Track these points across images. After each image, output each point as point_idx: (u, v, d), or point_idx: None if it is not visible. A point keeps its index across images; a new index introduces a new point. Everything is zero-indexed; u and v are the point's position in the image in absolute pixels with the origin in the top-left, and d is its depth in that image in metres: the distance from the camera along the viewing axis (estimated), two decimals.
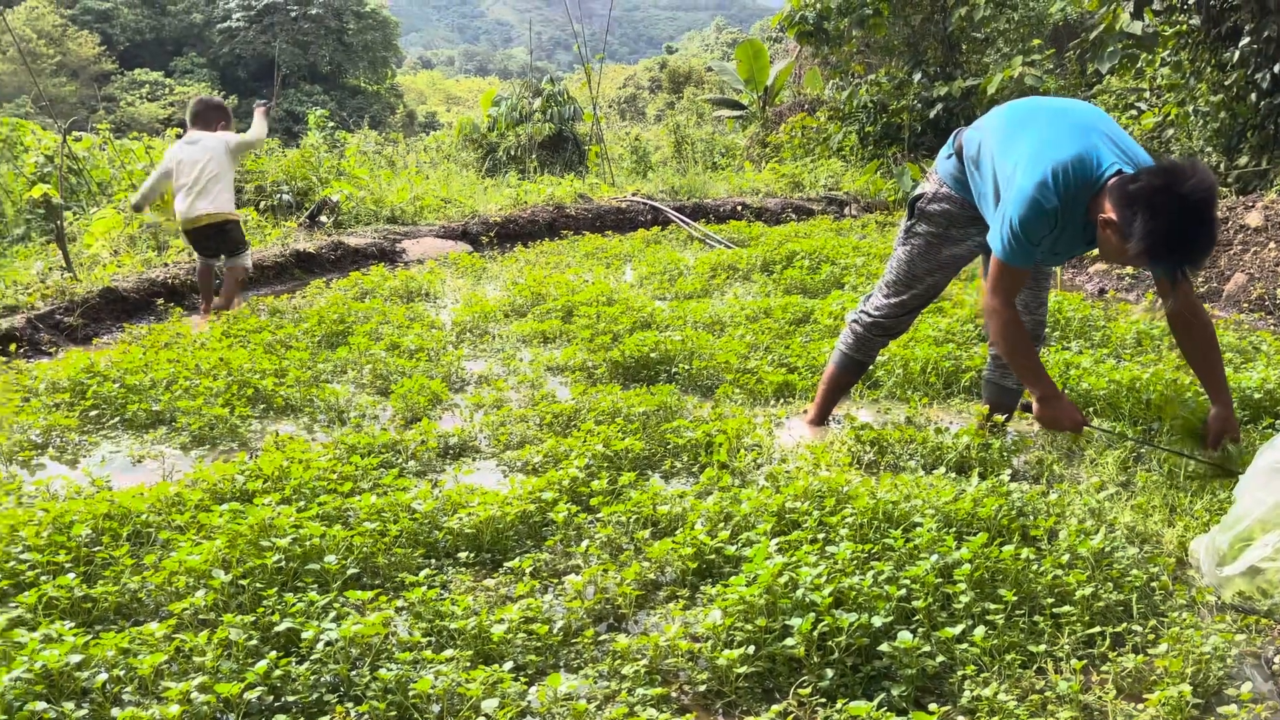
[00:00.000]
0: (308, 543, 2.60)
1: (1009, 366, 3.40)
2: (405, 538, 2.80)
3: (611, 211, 10.14)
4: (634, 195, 10.84)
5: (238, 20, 44.42)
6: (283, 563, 2.54)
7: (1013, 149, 3.10)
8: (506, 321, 5.69)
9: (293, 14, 43.59)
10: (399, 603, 2.47)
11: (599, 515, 2.94)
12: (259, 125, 6.37)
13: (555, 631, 2.36)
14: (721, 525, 2.80)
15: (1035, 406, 3.24)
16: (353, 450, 3.47)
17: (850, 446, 3.51)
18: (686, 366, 4.51)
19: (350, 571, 2.59)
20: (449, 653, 2.20)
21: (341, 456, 3.39)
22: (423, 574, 2.57)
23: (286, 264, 7.38)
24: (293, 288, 6.94)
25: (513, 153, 15.80)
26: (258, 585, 2.46)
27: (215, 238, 6.07)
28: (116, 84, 40.96)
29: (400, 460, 3.51)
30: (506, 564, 2.73)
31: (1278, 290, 5.85)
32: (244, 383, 4.19)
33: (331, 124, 15.75)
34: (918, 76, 13.15)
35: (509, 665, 2.18)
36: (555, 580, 2.69)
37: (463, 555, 2.77)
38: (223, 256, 6.26)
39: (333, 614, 2.36)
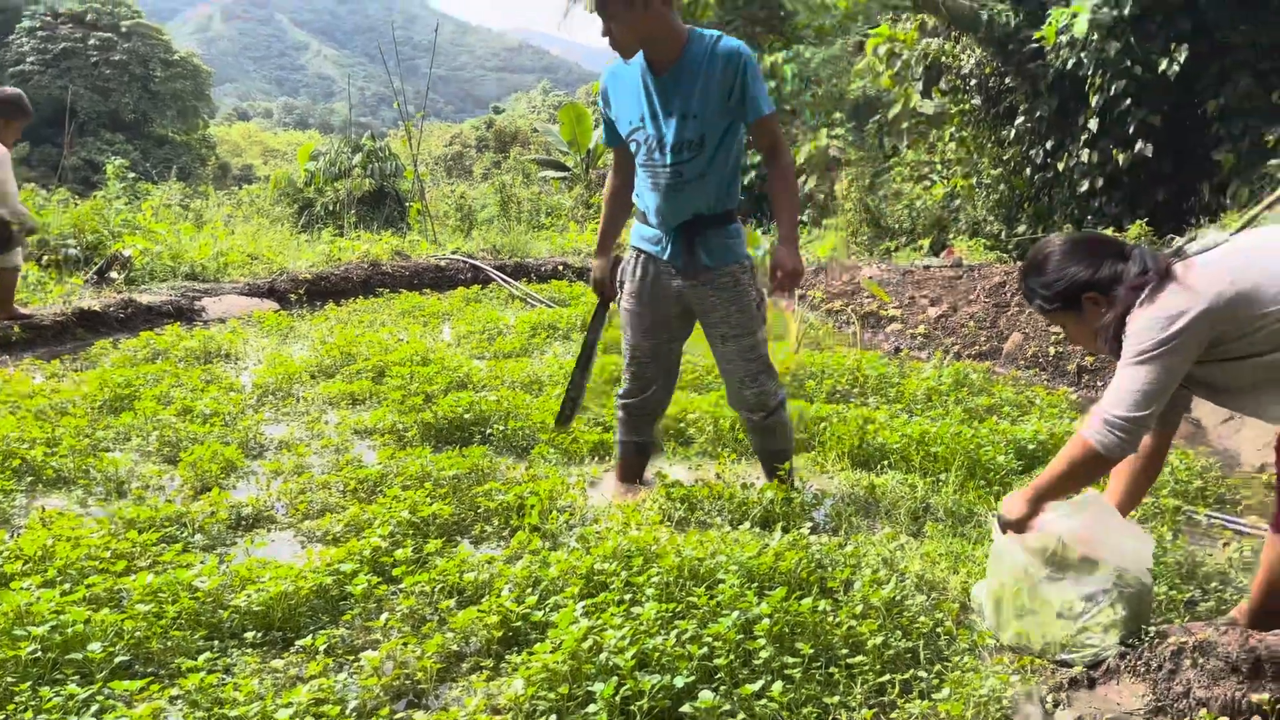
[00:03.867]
0: (70, 629, 2.36)
1: None
2: (185, 619, 2.59)
3: (430, 269, 9.99)
4: (454, 253, 10.74)
5: (31, 64, 41.48)
6: (39, 653, 2.30)
7: None
8: (313, 383, 5.46)
9: (93, 59, 41.15)
10: (173, 691, 2.27)
11: (401, 586, 2.83)
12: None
13: (348, 713, 2.23)
14: (529, 590, 2.74)
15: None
16: (131, 524, 3.21)
17: (661, 504, 3.53)
18: (502, 427, 4.45)
19: (119, 659, 2.37)
20: None
21: (117, 532, 3.13)
22: (202, 658, 2.39)
23: (68, 323, 6.83)
24: (75, 349, 6.42)
25: (331, 208, 15.39)
26: (9, 679, 2.22)
27: None
28: None
29: (185, 534, 3.27)
30: (299, 642, 2.57)
31: (1049, 348, 6.38)
32: (8, 454, 3.82)
33: (133, 175, 14.88)
34: None
35: None
36: (352, 657, 2.55)
37: (250, 635, 2.59)
38: None
39: (95, 707, 2.14)
